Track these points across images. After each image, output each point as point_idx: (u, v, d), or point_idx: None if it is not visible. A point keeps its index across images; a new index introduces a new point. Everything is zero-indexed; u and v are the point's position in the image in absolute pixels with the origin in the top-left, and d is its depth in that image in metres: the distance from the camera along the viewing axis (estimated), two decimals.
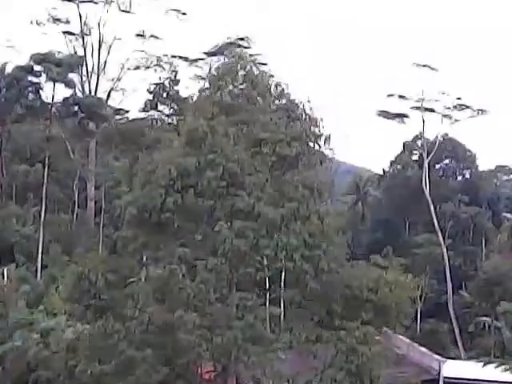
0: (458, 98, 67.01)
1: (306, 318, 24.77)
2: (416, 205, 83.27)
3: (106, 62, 71.35)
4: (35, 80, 53.65)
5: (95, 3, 71.64)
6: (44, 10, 69.12)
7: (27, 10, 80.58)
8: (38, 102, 53.94)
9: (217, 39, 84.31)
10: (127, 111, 74.15)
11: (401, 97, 63.64)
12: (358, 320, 24.27)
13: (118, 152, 68.13)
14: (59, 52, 62.96)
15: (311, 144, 25.67)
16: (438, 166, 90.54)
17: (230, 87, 26.32)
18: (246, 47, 78.77)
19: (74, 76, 59.34)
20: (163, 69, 76.67)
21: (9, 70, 56.05)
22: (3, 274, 45.70)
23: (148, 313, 23.90)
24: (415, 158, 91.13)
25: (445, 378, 43.15)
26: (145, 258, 25.59)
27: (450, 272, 66.79)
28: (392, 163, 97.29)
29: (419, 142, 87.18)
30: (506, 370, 32.77)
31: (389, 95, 63.52)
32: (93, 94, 69.38)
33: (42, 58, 54.23)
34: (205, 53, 79.65)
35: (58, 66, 54.00)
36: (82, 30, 70.84)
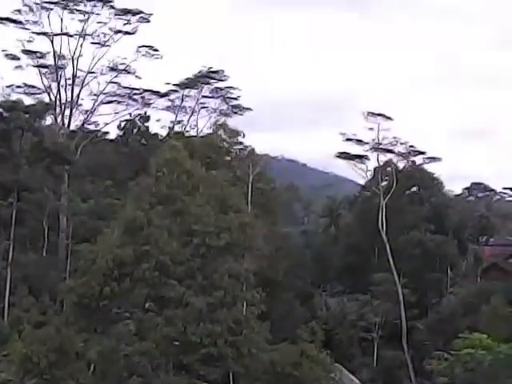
0: (411, 146, 70.21)
1: None
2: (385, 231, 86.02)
3: (79, 95, 73.88)
4: (4, 127, 56.10)
5: (70, 36, 74.08)
6: (18, 42, 71.54)
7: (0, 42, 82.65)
8: (6, 149, 56.42)
9: (189, 71, 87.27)
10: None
11: (359, 141, 66.75)
12: None
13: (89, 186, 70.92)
14: (33, 93, 65.16)
15: (240, 233, 28.35)
16: (406, 193, 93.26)
17: (168, 178, 29.00)
18: (218, 80, 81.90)
19: (41, 121, 61.66)
20: (136, 102, 79.72)
21: None
22: None
23: None
24: (385, 183, 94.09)
25: None
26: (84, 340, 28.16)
27: (405, 307, 69.81)
28: (363, 188, 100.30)
29: (389, 168, 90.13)
30: None
31: (347, 139, 66.65)
32: (66, 126, 71.98)
33: (10, 106, 56.80)
34: (176, 85, 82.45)
35: (26, 114, 56.63)
36: (55, 64, 73.22)
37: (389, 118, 65.03)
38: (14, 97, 61.65)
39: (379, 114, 65.29)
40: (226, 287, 26.67)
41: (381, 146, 66.80)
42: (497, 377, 35.09)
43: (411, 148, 70.15)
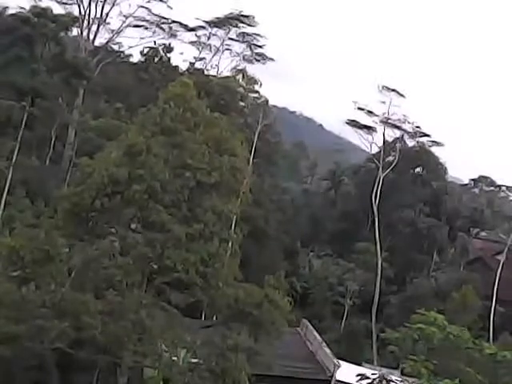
0: (417, 127, 72.07)
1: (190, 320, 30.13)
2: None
3: (108, 13, 75.39)
4: (29, 32, 57.93)
5: None
6: None
7: None
8: (28, 53, 58.30)
9: (220, 11, 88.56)
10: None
11: (369, 112, 68.54)
12: (233, 330, 29.59)
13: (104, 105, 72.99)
14: (64, 2, 66.63)
15: (230, 175, 30.57)
16: (410, 173, 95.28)
17: (173, 112, 31.08)
18: (247, 24, 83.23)
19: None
20: (163, 31, 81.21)
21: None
22: None
23: (61, 291, 29.16)
24: (391, 158, 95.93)
25: (337, 380, 48.92)
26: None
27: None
28: (368, 159, 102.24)
29: (398, 145, 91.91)
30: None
31: (359, 108, 68.49)
32: (90, 42, 73.72)
33: (39, 12, 58.55)
34: (205, 21, 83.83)
35: (53, 23, 58.41)
36: None
37: (401, 95, 66.88)
38: (44, 3, 63.51)
39: (393, 90, 67.05)
40: (206, 222, 29.02)
41: (389, 121, 68.71)
42: (444, 355, 37.50)
43: (417, 128, 72.07)
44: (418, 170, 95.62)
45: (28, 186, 61.46)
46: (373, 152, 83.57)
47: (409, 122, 71.35)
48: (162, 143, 30.17)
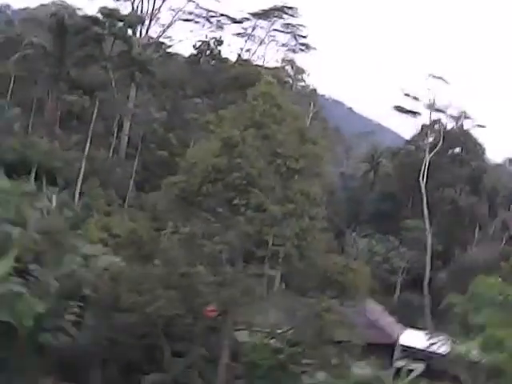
0: (463, 111, 76.76)
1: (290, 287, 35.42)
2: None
3: (160, 8, 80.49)
4: (99, 31, 63.22)
5: None
6: None
7: None
8: (98, 51, 63.64)
9: (265, 3, 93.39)
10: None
11: (415, 98, 73.33)
12: (325, 295, 34.81)
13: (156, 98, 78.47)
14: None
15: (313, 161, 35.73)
16: (449, 153, 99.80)
17: (262, 108, 36.20)
18: (290, 15, 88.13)
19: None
20: (211, 24, 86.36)
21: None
22: (50, 198, 56.03)
23: (175, 264, 34.57)
24: (430, 140, 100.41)
25: (401, 344, 54.12)
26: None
27: (432, 254, 77.45)
28: (407, 142, 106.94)
29: (436, 126, 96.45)
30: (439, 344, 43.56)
31: (405, 94, 73.27)
32: (143, 37, 78.95)
33: (108, 13, 63.86)
34: (250, 13, 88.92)
35: (121, 22, 63.66)
36: None
37: (447, 82, 71.60)
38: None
39: (439, 77, 71.79)
40: (297, 202, 34.13)
41: (435, 107, 73.33)
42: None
43: (462, 113, 76.70)
44: (457, 150, 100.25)
45: (99, 176, 67.16)
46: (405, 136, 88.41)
47: (454, 107, 75.93)
48: (254, 135, 35.22)
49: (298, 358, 38.01)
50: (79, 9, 67.07)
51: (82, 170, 63.53)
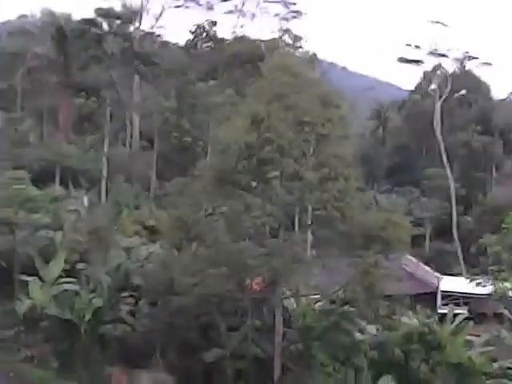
0: (467, 52, 77.61)
1: (333, 249, 36.81)
2: (433, 132, 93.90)
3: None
4: (99, 32, 64.39)
5: None
6: None
7: None
8: (101, 51, 64.88)
9: None
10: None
11: (416, 46, 74.18)
12: (372, 250, 36.18)
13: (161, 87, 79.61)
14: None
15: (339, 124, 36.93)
16: (454, 96, 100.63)
17: (280, 80, 37.30)
18: None
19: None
20: (201, 6, 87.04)
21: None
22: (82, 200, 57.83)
23: (222, 242, 35.99)
24: (434, 87, 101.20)
25: (442, 291, 55.70)
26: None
27: (457, 199, 78.59)
28: (412, 92, 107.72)
29: (438, 72, 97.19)
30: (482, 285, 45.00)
31: (407, 44, 74.18)
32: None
33: (104, 13, 64.92)
34: None
35: (118, 19, 64.78)
36: None
37: (446, 25, 72.40)
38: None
39: (437, 22, 72.64)
40: (330, 165, 35.39)
41: (438, 52, 74.19)
42: None
43: (466, 54, 77.61)
44: (462, 92, 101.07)
45: (120, 172, 68.70)
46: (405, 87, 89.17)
47: (457, 49, 76.82)
48: (278, 108, 36.38)
49: (350, 316, 39.54)
50: (67, 14, 68.19)
51: (105, 168, 64.98)
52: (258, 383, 39.11)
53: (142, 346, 40.94)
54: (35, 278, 43.47)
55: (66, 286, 42.38)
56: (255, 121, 36.35)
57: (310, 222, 36.35)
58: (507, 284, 43.07)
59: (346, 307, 39.12)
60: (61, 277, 43.78)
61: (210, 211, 37.76)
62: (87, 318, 40.73)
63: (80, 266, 45.06)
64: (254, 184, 36.49)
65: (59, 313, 41.10)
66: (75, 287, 42.28)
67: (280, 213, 35.68)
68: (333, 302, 39.71)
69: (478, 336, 45.23)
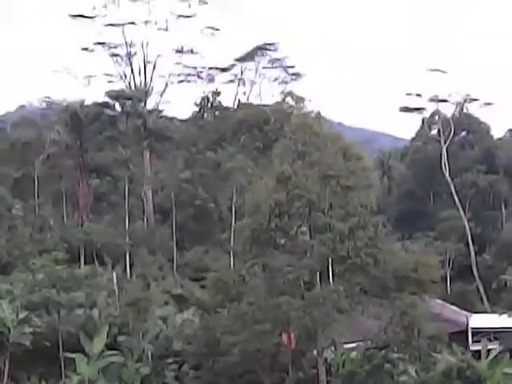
0: (468, 95, 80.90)
1: (369, 295, 38.61)
2: (438, 176, 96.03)
3: (151, 78, 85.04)
4: (112, 113, 67.54)
5: (134, 24, 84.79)
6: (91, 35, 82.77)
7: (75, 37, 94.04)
8: (116, 131, 67.94)
9: (246, 46, 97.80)
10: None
11: (418, 95, 77.51)
12: (405, 292, 37.98)
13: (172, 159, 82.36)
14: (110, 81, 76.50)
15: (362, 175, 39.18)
16: (456, 139, 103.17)
17: (302, 139, 39.73)
18: (273, 50, 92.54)
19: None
20: (202, 79, 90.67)
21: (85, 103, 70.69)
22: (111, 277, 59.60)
23: (263, 299, 37.79)
24: (434, 132, 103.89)
25: (472, 328, 56.97)
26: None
27: (472, 239, 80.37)
28: (413, 139, 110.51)
29: (436, 117, 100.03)
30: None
31: (407, 94, 77.48)
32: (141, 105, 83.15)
33: (116, 95, 68.20)
34: (236, 59, 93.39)
35: (129, 99, 67.93)
36: (128, 51, 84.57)
37: (444, 71, 75.76)
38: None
39: (436, 69, 75.94)
40: (359, 214, 37.46)
41: (438, 98, 77.32)
42: None
43: (467, 96, 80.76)
44: (463, 134, 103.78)
45: (142, 245, 70.75)
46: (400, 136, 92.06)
47: (457, 93, 79.98)
48: (302, 165, 38.70)
49: (392, 358, 41.06)
50: (83, 100, 71.76)
51: (128, 244, 66.94)
52: None
53: None
54: (79, 354, 45.07)
55: (111, 359, 44.13)
56: (282, 179, 38.61)
57: (343, 271, 38.15)
58: None
59: (388, 350, 40.65)
60: (104, 351, 45.48)
61: (249, 270, 39.62)
62: None
63: (121, 338, 46.81)
64: (283, 241, 38.46)
65: None
66: (120, 359, 43.99)
67: (314, 265, 37.57)
68: (374, 348, 41.24)
69: None
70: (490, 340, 55.65)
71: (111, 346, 46.46)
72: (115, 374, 43.00)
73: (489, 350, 46.79)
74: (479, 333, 57.44)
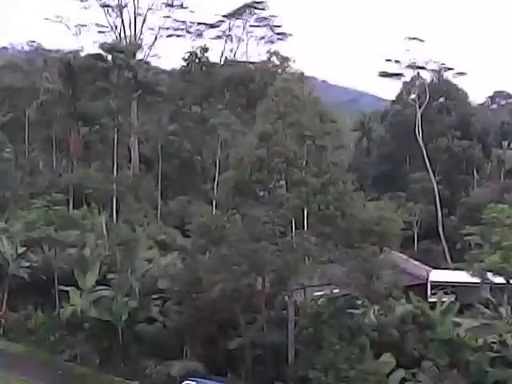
0: (443, 63, 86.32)
1: (334, 244, 44.33)
2: (415, 140, 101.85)
3: (141, 30, 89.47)
4: (105, 65, 72.03)
5: None
6: None
7: None
8: (108, 83, 72.50)
9: (234, 3, 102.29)
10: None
11: (396, 61, 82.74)
12: (368, 243, 43.65)
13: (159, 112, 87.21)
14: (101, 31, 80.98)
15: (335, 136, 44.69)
16: (434, 105, 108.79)
17: (284, 101, 44.98)
18: (261, 9, 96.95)
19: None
20: (191, 34, 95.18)
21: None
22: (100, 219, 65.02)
23: (242, 244, 43.43)
24: (413, 96, 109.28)
25: (431, 281, 63.35)
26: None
27: (440, 201, 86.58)
28: (393, 102, 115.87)
29: (417, 82, 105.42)
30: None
31: (387, 60, 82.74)
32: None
33: (109, 48, 72.68)
34: (224, 15, 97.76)
35: (121, 53, 72.40)
36: (119, 2, 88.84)
37: (422, 40, 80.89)
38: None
39: (414, 38, 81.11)
40: (331, 172, 43.05)
41: (416, 65, 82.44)
42: None
43: (442, 65, 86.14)
44: (441, 100, 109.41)
45: (128, 193, 76.05)
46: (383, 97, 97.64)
47: (434, 62, 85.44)
48: (282, 125, 44.07)
49: (353, 301, 47.17)
50: (80, 51, 76.07)
51: (115, 191, 72.16)
52: (274, 366, 46.33)
53: (173, 340, 48.16)
54: (73, 287, 50.84)
55: (102, 293, 50.03)
56: (264, 137, 43.99)
57: (314, 221, 43.79)
58: (482, 264, 50.31)
59: (349, 293, 46.66)
60: (95, 286, 51.31)
61: (230, 218, 45.14)
62: (124, 318, 48.15)
63: (110, 275, 52.56)
64: (262, 193, 44.04)
65: (99, 315, 48.48)
66: (110, 293, 49.76)
67: (289, 215, 43.20)
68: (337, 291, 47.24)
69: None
70: (446, 293, 62.16)
71: (101, 282, 52.36)
72: (106, 307, 48.79)
73: (443, 302, 53.00)
74: (437, 286, 63.87)
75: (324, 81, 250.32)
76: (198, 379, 44.02)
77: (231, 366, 47.03)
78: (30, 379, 45.52)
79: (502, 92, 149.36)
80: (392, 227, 44.91)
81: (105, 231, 61.12)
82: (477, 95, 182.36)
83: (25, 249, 54.06)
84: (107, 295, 49.60)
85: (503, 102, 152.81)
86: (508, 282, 48.89)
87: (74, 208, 71.80)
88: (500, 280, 52.01)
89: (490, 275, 52.56)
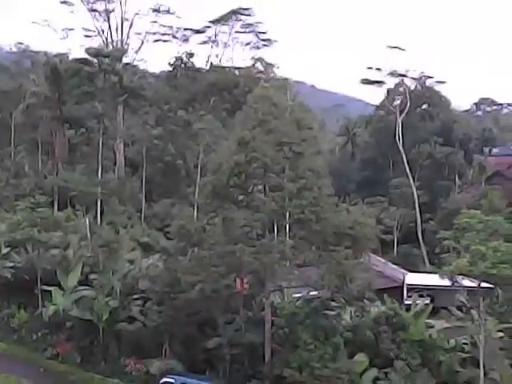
0: (422, 72, 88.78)
1: (310, 246, 46.15)
2: (397, 146, 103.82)
3: (128, 34, 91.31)
4: (91, 70, 73.72)
5: None
6: None
7: None
8: (93, 87, 74.22)
9: (220, 10, 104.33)
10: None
11: (377, 69, 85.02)
12: (342, 246, 45.48)
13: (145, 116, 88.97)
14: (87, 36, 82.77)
15: (312, 142, 46.54)
16: (417, 111, 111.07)
17: (262, 108, 46.80)
18: (247, 15, 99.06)
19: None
20: (177, 39, 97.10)
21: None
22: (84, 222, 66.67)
23: (220, 246, 45.19)
24: (397, 103, 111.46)
25: (407, 284, 65.27)
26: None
27: (420, 206, 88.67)
28: (377, 108, 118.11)
29: (401, 89, 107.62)
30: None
31: (368, 68, 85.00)
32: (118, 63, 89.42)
33: (95, 52, 74.37)
34: (211, 21, 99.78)
35: (107, 57, 74.13)
36: (106, 7, 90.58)
37: (403, 49, 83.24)
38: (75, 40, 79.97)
39: (395, 47, 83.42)
40: (306, 177, 44.87)
41: (397, 73, 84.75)
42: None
43: (422, 73, 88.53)
44: (423, 107, 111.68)
45: (113, 195, 77.70)
46: (371, 102, 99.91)
47: (414, 70, 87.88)
48: (261, 132, 45.87)
49: (327, 302, 49.05)
50: (67, 54, 77.63)
51: (99, 193, 73.85)
52: (251, 365, 48.14)
53: (153, 339, 49.89)
54: (55, 287, 52.51)
55: (84, 293, 51.76)
56: (242, 143, 45.77)
57: (290, 225, 45.63)
58: (450, 267, 52.11)
59: (324, 295, 48.50)
60: (77, 286, 53.00)
61: (209, 221, 46.92)
62: (105, 317, 49.86)
63: (92, 276, 54.25)
64: (240, 197, 45.82)
65: (81, 314, 50.15)
66: (92, 293, 51.45)
67: (267, 218, 45.02)
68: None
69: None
70: (422, 296, 64.04)
71: (84, 282, 54.08)
72: (87, 306, 50.49)
73: (417, 304, 54.81)
74: (414, 289, 65.75)
75: (312, 86, 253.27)
76: (177, 377, 45.75)
77: (209, 365, 48.78)
78: (12, 375, 47.15)
79: (487, 99, 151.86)
80: (366, 231, 46.75)
81: (88, 233, 62.74)
82: (463, 102, 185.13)
83: (9, 249, 55.76)
84: (89, 295, 51.29)
85: (488, 109, 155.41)
86: (479, 285, 50.65)
87: (58, 210, 73.35)
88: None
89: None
